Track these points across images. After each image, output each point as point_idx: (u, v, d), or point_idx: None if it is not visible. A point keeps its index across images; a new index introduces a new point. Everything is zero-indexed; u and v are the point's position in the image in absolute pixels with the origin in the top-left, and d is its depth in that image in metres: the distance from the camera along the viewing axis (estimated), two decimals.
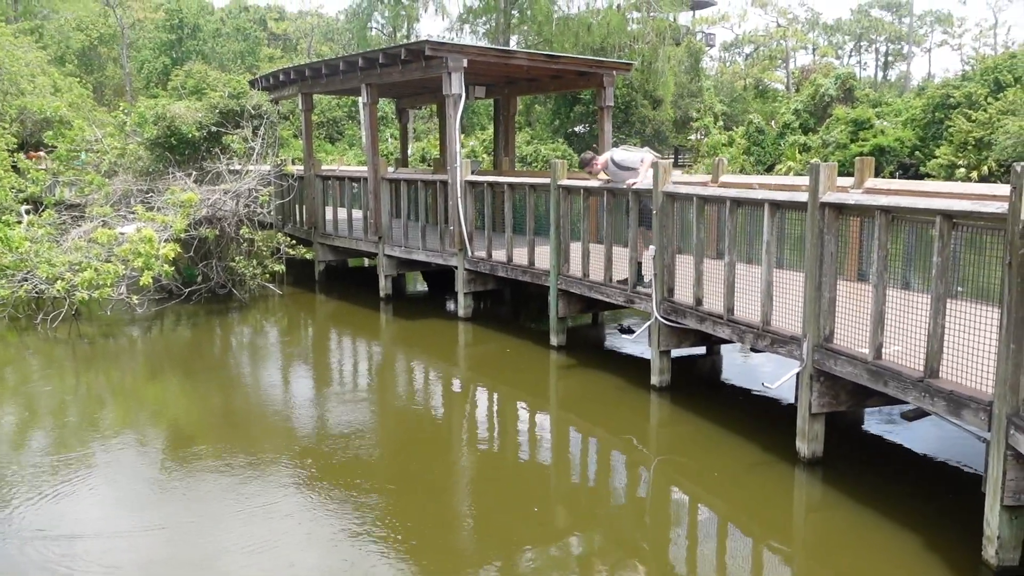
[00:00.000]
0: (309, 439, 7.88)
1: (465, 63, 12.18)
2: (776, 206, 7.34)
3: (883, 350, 6.17)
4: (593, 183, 10.21)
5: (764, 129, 43.59)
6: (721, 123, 48.19)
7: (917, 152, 36.47)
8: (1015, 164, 4.93)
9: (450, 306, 14.01)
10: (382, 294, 14.42)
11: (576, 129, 42.04)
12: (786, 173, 35.85)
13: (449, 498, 6.63)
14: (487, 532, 5.98)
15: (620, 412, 8.65)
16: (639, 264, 9.49)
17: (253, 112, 15.22)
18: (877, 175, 8.92)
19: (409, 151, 25.39)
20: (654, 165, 8.99)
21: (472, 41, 38.18)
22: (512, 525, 6.03)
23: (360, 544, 5.63)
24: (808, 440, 6.88)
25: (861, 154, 32.74)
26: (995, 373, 5.10)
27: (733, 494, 6.61)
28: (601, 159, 10.02)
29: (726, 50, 75.91)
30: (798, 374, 7.02)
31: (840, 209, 6.61)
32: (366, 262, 18.78)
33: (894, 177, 32.54)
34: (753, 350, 8.96)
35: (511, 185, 11.71)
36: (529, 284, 11.80)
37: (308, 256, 15.80)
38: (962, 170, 32.63)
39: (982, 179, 30.52)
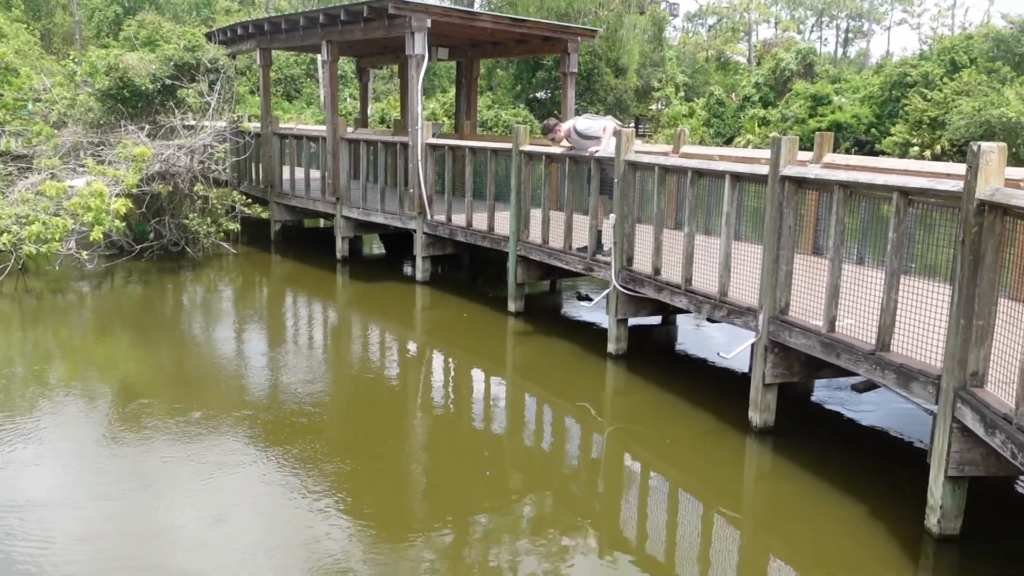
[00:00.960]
0: (263, 403, 7.80)
1: (429, 23, 11.98)
2: (737, 178, 7.38)
3: (836, 323, 6.27)
4: (555, 149, 10.17)
5: (724, 101, 43.81)
6: (682, 94, 48.30)
7: (873, 129, 36.97)
8: (971, 144, 5.00)
9: (408, 270, 13.92)
10: (339, 256, 14.27)
11: (538, 95, 41.77)
12: (745, 146, 36.12)
13: (402, 462, 6.63)
14: (440, 496, 5.99)
15: (576, 379, 8.70)
16: (599, 232, 9.50)
17: (209, 66, 14.85)
18: (834, 151, 9.02)
19: (369, 111, 24.98)
20: (617, 133, 8.96)
21: (436, 1, 37.61)
22: (465, 490, 6.04)
23: (312, 510, 5.60)
24: (760, 410, 7.00)
25: (819, 129, 33.12)
26: (944, 348, 5.21)
27: (686, 462, 6.71)
28: (564, 127, 9.97)
29: (689, 21, 75.96)
30: (753, 345, 7.12)
31: (800, 183, 6.66)
32: (322, 223, 18.55)
33: (850, 153, 32.94)
34: (710, 320, 9.05)
35: (472, 149, 11.60)
36: (488, 249, 11.76)
37: (264, 215, 15.52)
38: (916, 148, 33.15)
39: (935, 158, 31.03)
